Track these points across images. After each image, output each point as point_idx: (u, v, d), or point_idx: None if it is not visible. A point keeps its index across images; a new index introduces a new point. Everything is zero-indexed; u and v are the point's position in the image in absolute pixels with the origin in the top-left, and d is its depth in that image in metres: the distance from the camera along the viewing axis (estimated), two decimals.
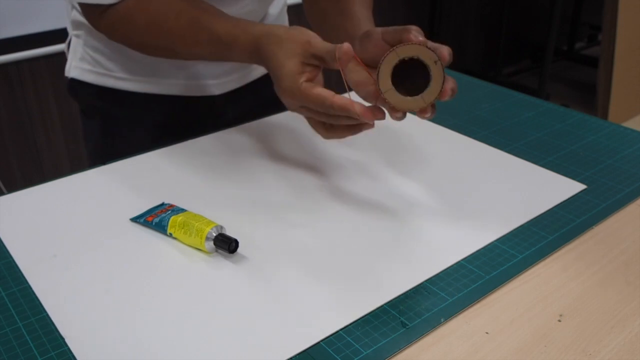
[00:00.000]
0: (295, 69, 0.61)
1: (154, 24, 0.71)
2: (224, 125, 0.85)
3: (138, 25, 0.72)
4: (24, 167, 1.92)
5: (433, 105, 0.60)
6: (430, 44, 0.60)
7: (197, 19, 0.69)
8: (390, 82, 0.59)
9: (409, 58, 0.59)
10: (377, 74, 0.59)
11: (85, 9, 0.75)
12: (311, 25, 0.83)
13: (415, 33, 0.61)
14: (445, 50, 0.60)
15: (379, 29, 0.65)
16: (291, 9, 1.01)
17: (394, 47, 0.59)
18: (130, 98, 0.86)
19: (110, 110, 0.89)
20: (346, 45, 0.58)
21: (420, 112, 0.60)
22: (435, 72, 0.58)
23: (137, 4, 0.71)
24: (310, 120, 0.65)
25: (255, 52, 0.65)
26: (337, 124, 0.63)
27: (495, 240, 0.62)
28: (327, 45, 0.60)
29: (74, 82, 0.89)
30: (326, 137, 0.65)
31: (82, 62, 0.87)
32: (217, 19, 0.69)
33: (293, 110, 0.65)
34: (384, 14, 2.71)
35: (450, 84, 0.59)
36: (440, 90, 0.59)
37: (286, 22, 0.99)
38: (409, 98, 0.59)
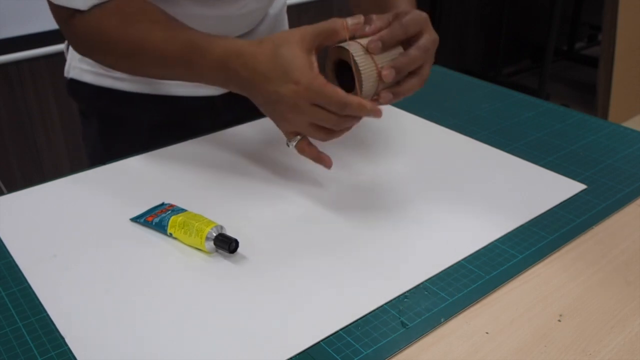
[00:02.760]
0: (307, 60, 0.60)
1: (127, 24, 0.69)
2: (222, 126, 0.85)
3: (109, 27, 0.70)
4: (24, 167, 1.92)
5: (386, 91, 0.62)
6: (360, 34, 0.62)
7: (172, 26, 0.68)
8: (334, 79, 0.63)
9: (339, 59, 0.62)
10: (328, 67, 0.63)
11: (56, 11, 0.73)
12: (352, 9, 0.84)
13: (376, 19, 0.62)
14: (372, 41, 0.60)
15: (385, 15, 0.64)
16: (291, 9, 1.01)
17: (329, 50, 0.62)
18: (129, 98, 0.86)
19: (109, 111, 0.89)
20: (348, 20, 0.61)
21: (377, 98, 0.62)
22: (354, 67, 0.60)
23: (112, 8, 0.69)
24: (310, 128, 0.63)
25: (235, 57, 0.63)
26: (339, 127, 0.62)
27: (495, 240, 0.62)
28: (323, 23, 0.61)
29: (73, 82, 0.89)
30: (325, 139, 0.65)
31: (82, 63, 0.87)
32: (195, 30, 0.68)
33: (289, 118, 0.63)
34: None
35: (384, 72, 0.60)
36: (361, 82, 0.60)
37: (286, 22, 0.99)
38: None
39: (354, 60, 0.60)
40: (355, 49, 0.60)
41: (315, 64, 0.61)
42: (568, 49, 3.44)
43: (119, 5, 0.70)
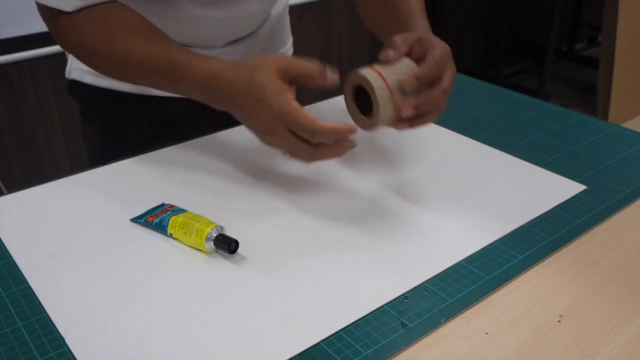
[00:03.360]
0: (280, 85, 0.61)
1: (111, 35, 0.70)
2: (223, 127, 0.85)
3: (94, 34, 0.70)
4: (24, 167, 1.92)
5: (403, 120, 0.64)
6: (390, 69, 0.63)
7: (154, 41, 0.69)
8: (352, 103, 0.65)
9: (358, 86, 0.63)
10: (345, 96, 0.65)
11: (42, 11, 0.73)
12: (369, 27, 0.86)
13: (400, 43, 0.64)
14: (407, 80, 0.62)
15: (410, 35, 0.66)
16: (292, 10, 1.01)
17: (350, 73, 0.63)
18: (129, 99, 0.86)
19: (110, 112, 0.89)
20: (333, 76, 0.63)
21: (394, 124, 0.64)
22: (374, 97, 0.61)
23: (97, 14, 0.70)
24: (289, 152, 0.64)
25: (213, 79, 0.64)
26: (312, 159, 0.63)
27: (496, 241, 0.62)
28: (304, 62, 0.63)
29: (74, 83, 0.89)
30: (306, 163, 0.66)
31: (82, 64, 0.87)
32: (177, 46, 0.69)
33: (268, 140, 0.64)
34: None
35: (405, 109, 0.62)
36: (380, 113, 0.61)
37: (287, 23, 0.99)
38: (363, 117, 0.64)
39: (373, 91, 0.61)
40: (374, 78, 0.61)
41: (290, 92, 0.62)
42: (568, 49, 3.44)
43: (103, 12, 0.70)
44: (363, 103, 0.63)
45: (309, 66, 0.63)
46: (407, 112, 0.62)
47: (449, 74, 0.64)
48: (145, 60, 0.69)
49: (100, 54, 0.71)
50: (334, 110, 0.89)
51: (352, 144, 0.62)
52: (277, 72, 0.62)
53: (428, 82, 0.63)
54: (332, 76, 0.63)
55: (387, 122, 0.63)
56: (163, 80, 0.69)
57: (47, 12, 0.72)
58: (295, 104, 0.61)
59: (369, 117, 0.63)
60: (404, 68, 0.63)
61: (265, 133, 0.64)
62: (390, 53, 0.63)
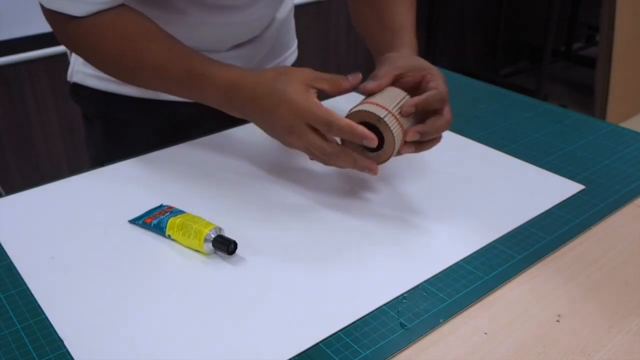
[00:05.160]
0: (303, 87, 0.63)
1: (126, 40, 0.69)
2: (226, 130, 0.84)
3: (107, 39, 0.70)
4: (22, 169, 1.92)
5: (409, 144, 0.64)
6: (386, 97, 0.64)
7: (170, 47, 0.69)
8: (357, 145, 0.63)
9: (362, 121, 0.63)
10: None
11: (50, 16, 0.71)
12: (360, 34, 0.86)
13: (388, 70, 0.66)
14: (407, 106, 0.63)
15: (385, 70, 0.66)
16: (294, 11, 1.00)
17: (350, 111, 0.63)
18: (133, 103, 0.86)
19: (113, 115, 0.89)
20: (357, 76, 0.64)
21: (402, 149, 0.64)
22: (383, 127, 0.62)
23: (109, 20, 0.69)
24: (309, 153, 0.65)
25: (235, 85, 0.65)
26: (330, 160, 0.64)
27: (494, 241, 0.62)
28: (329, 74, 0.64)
29: (76, 86, 0.89)
30: (326, 165, 0.66)
31: (85, 67, 0.86)
32: (194, 51, 0.69)
33: (289, 140, 0.64)
34: None
35: (410, 134, 0.63)
36: (394, 142, 0.62)
37: (292, 26, 0.99)
38: (371, 154, 0.64)
39: (382, 121, 0.61)
40: (377, 110, 0.62)
41: (313, 95, 0.63)
42: (566, 49, 3.45)
43: (115, 17, 0.69)
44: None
45: (333, 75, 0.64)
46: (412, 136, 0.63)
47: (446, 115, 0.65)
48: (162, 67, 0.68)
49: (115, 59, 0.71)
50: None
51: (371, 167, 0.63)
52: (301, 77, 0.63)
53: (429, 109, 0.64)
54: (355, 76, 0.64)
55: (397, 148, 0.64)
56: (180, 87, 0.69)
57: (55, 17, 0.70)
58: (316, 100, 0.62)
59: (379, 151, 0.63)
60: (393, 95, 0.64)
61: (286, 132, 0.64)
62: (370, 84, 0.65)
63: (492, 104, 0.93)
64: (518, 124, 0.86)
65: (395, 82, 0.67)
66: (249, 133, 0.84)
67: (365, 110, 0.62)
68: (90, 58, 0.75)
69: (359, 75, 0.65)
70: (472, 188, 0.71)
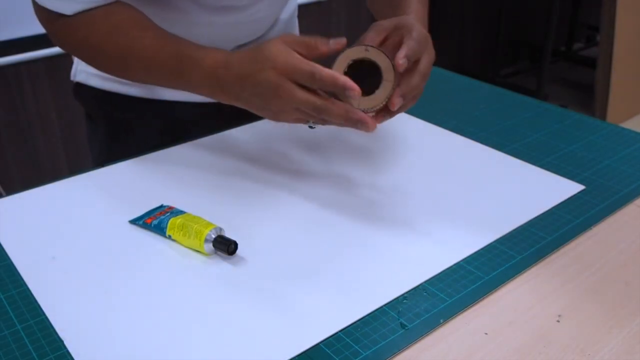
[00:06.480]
0: (283, 46, 0.61)
1: (117, 30, 0.69)
2: (226, 129, 0.84)
3: (97, 32, 0.70)
4: (22, 169, 1.92)
5: (387, 109, 0.62)
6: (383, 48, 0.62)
7: (160, 35, 0.69)
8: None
9: (360, 60, 0.61)
10: (334, 68, 0.61)
11: (41, 12, 0.71)
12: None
13: (373, 35, 0.63)
14: (399, 54, 0.60)
15: (371, 36, 0.65)
16: (298, 11, 1.00)
17: (345, 49, 0.61)
18: (136, 103, 0.86)
19: (116, 115, 0.89)
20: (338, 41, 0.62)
21: (376, 115, 0.62)
22: (374, 55, 0.60)
23: (100, 13, 0.69)
24: (300, 114, 0.63)
25: (222, 66, 0.64)
26: (320, 115, 0.62)
27: (494, 241, 0.62)
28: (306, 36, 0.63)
29: (79, 86, 0.89)
30: (321, 124, 0.65)
31: (88, 66, 0.86)
32: (183, 39, 0.69)
33: (278, 106, 0.63)
34: None
35: (395, 100, 0.61)
36: (392, 89, 0.60)
37: (296, 27, 0.98)
38: (364, 97, 0.61)
39: (374, 49, 0.60)
40: (382, 56, 0.60)
41: (294, 52, 0.61)
42: (566, 49, 3.45)
43: (106, 13, 0.69)
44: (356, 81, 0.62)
45: (312, 38, 0.63)
46: (396, 103, 0.61)
47: (427, 58, 0.63)
48: (151, 54, 0.68)
49: (104, 50, 0.71)
50: None
51: (364, 120, 0.60)
52: (280, 40, 0.62)
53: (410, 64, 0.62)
54: (337, 41, 0.62)
55: (396, 80, 0.62)
56: (169, 74, 0.68)
57: (46, 14, 0.71)
58: (298, 56, 0.61)
59: (377, 91, 0.61)
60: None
61: (273, 95, 0.62)
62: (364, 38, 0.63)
63: (492, 104, 0.93)
64: (518, 124, 0.86)
65: (382, 45, 0.64)
66: (250, 134, 0.84)
67: (351, 49, 0.61)
68: (81, 52, 0.75)
69: (343, 41, 0.63)
70: (472, 188, 0.71)
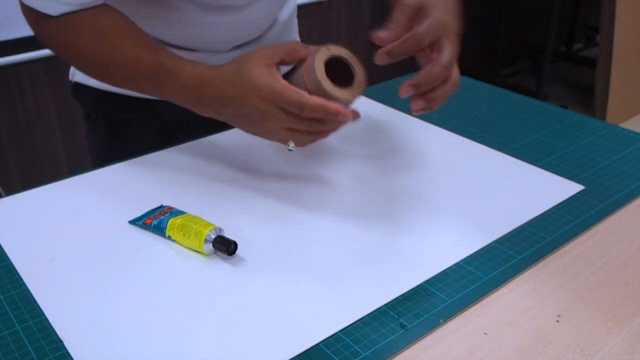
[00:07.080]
0: (265, 69, 0.62)
1: (100, 38, 0.69)
2: (226, 129, 0.84)
3: (81, 37, 0.70)
4: (22, 170, 1.92)
5: (418, 100, 0.62)
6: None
7: (143, 44, 0.69)
8: (324, 73, 0.62)
9: (338, 56, 0.63)
10: (310, 66, 0.62)
11: (27, 12, 0.72)
12: None
13: (398, 16, 0.62)
14: (380, 53, 0.60)
15: (409, 4, 0.63)
16: (298, 11, 1.00)
17: (318, 53, 0.62)
18: (135, 102, 0.86)
19: (115, 115, 0.89)
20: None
21: (344, 112, 0.62)
22: (352, 61, 0.63)
23: (86, 18, 0.69)
24: (289, 133, 0.64)
25: (201, 83, 0.65)
26: (313, 129, 0.63)
27: (494, 241, 0.62)
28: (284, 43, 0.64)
29: (77, 85, 0.89)
30: (309, 142, 0.66)
31: None
32: (165, 50, 0.69)
33: (265, 128, 0.64)
34: (383, 14, 2.71)
35: (403, 89, 0.60)
36: (363, 75, 0.63)
37: (296, 28, 0.98)
38: (340, 90, 0.62)
39: (332, 46, 0.62)
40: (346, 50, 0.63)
41: (276, 72, 0.62)
42: (566, 50, 3.45)
43: (91, 16, 0.69)
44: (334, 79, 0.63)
45: (291, 43, 0.64)
46: (406, 92, 0.60)
47: (448, 48, 0.60)
48: (132, 64, 0.68)
49: (87, 56, 0.71)
50: None
51: (340, 111, 0.60)
52: (261, 61, 0.62)
53: (405, 55, 0.61)
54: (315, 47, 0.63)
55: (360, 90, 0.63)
56: (150, 84, 0.69)
57: (31, 14, 0.71)
58: (283, 81, 0.61)
59: (354, 83, 0.63)
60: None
61: (260, 121, 0.63)
62: (382, 34, 0.61)
63: (492, 104, 0.93)
64: (518, 124, 0.86)
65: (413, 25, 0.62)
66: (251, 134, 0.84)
67: (318, 53, 0.61)
68: (66, 54, 0.75)
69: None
70: (472, 188, 0.71)
